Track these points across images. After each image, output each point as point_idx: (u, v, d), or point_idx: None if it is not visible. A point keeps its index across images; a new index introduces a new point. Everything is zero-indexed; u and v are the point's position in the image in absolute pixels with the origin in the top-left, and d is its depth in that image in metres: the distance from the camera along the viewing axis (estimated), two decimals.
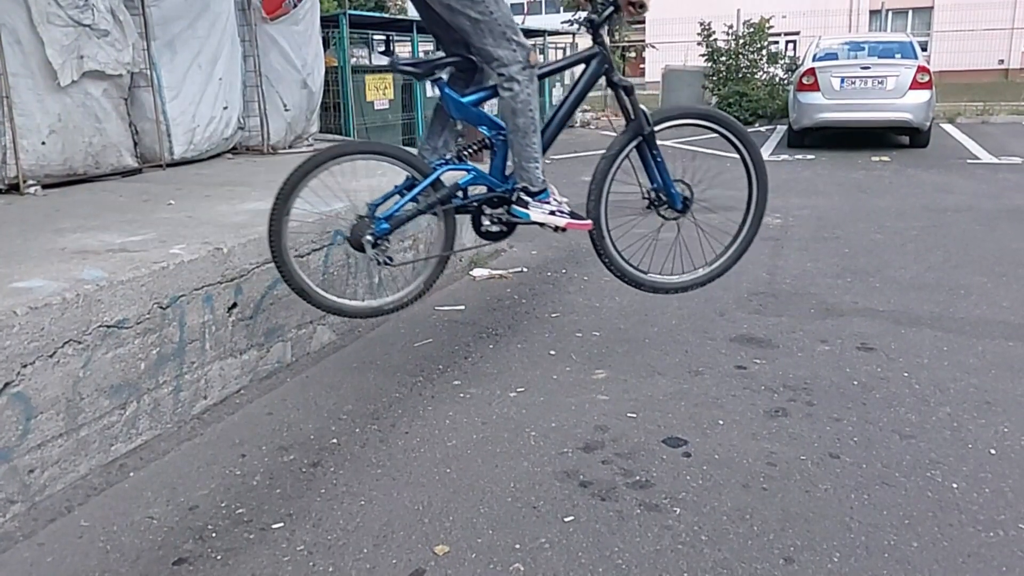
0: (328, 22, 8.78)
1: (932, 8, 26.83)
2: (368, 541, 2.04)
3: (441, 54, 2.99)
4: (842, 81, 9.89)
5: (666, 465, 2.38)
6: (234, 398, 2.93)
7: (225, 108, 5.50)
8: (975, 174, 7.97)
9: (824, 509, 2.13)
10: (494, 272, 4.50)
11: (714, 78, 14.80)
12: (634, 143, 3.04)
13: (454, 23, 2.78)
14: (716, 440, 2.53)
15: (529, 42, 2.93)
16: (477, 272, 4.48)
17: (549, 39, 14.99)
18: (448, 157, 2.99)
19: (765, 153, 2.96)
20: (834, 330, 3.50)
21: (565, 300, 4.03)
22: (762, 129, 13.01)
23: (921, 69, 9.75)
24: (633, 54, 25.84)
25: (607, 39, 3.01)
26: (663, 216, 3.14)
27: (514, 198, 2.94)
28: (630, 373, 3.06)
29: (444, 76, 2.85)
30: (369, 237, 2.82)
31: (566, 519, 2.11)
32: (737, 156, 3.17)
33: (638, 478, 2.31)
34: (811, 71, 10.09)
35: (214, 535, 2.08)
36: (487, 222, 3.04)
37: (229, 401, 2.90)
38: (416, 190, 2.88)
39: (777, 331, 3.50)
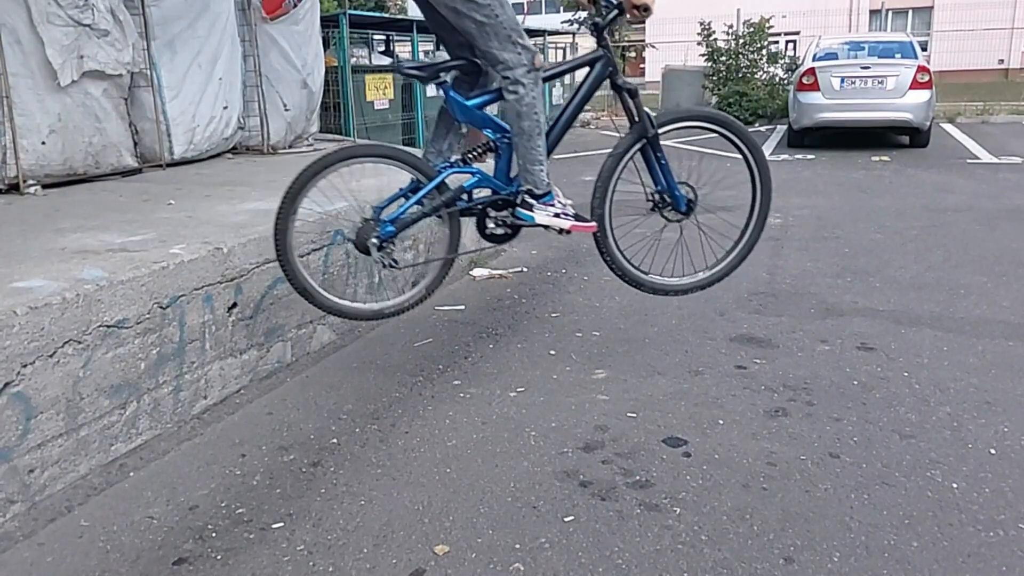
0: (328, 22, 8.77)
1: (932, 8, 26.84)
2: (368, 541, 2.04)
3: (442, 54, 2.99)
4: (842, 81, 9.89)
5: (666, 465, 2.38)
6: (234, 398, 2.93)
7: (225, 108, 5.50)
8: (975, 174, 7.97)
9: (824, 509, 2.13)
10: (494, 272, 4.50)
11: (714, 78, 14.80)
12: (638, 146, 3.05)
13: (459, 26, 2.78)
14: (716, 440, 2.53)
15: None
16: (477, 272, 4.48)
17: (549, 39, 14.99)
18: (453, 160, 3.01)
19: (765, 153, 2.96)
20: (834, 330, 3.50)
21: (565, 300, 4.03)
22: (762, 129, 13.01)
23: (921, 69, 9.75)
24: (633, 54, 25.82)
25: (611, 42, 3.02)
26: (667, 218, 3.15)
27: (519, 200, 2.95)
28: (630, 373, 3.06)
29: (449, 79, 2.86)
30: (375, 240, 2.84)
31: (566, 519, 2.11)
32: (741, 159, 3.17)
33: (638, 478, 2.31)
34: (811, 71, 10.09)
35: (214, 535, 2.08)
36: (492, 225, 3.05)
37: (229, 401, 2.90)
38: (421, 193, 2.89)
39: (777, 331, 3.50)
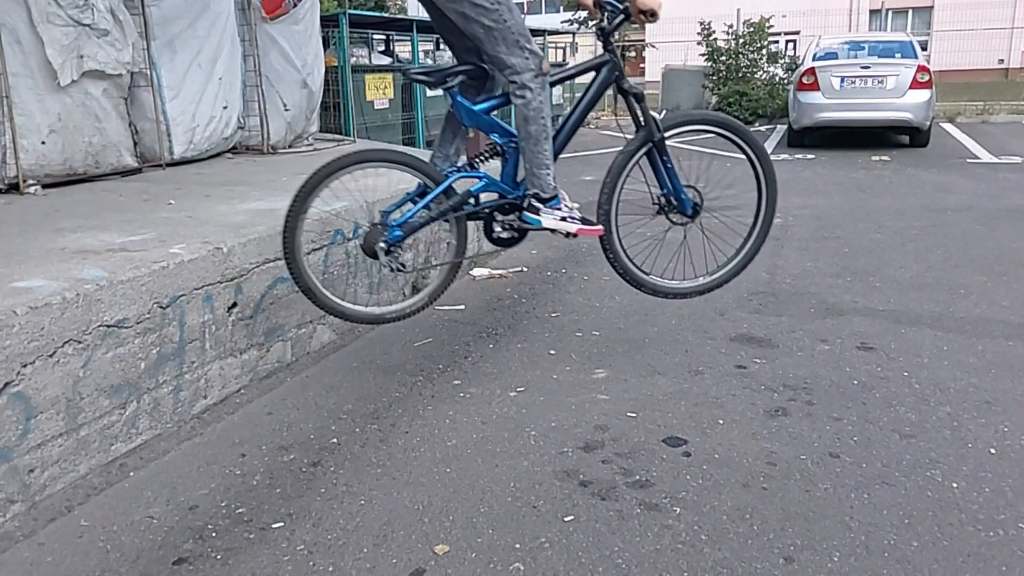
0: (328, 22, 8.77)
1: (932, 8, 26.83)
2: (368, 541, 2.04)
3: (442, 54, 3.00)
4: (842, 81, 9.89)
5: (666, 465, 2.38)
6: (234, 398, 2.93)
7: (225, 108, 5.50)
8: (975, 173, 7.97)
9: (824, 508, 2.14)
10: (494, 272, 4.51)
11: (714, 78, 14.80)
12: (644, 150, 3.06)
13: (468, 30, 2.79)
14: (716, 440, 2.53)
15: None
16: (477, 272, 4.49)
17: (549, 39, 14.99)
18: (460, 164, 3.02)
19: (772, 159, 2.98)
20: (834, 329, 3.50)
21: (565, 300, 4.03)
22: (762, 129, 13.01)
23: (921, 68, 9.75)
24: (633, 53, 25.83)
25: (616, 46, 3.03)
26: (672, 221, 3.16)
27: (525, 204, 2.96)
28: (630, 373, 3.06)
29: (456, 84, 2.87)
30: (383, 244, 2.86)
31: (566, 519, 2.11)
32: (747, 163, 3.18)
33: (638, 478, 2.31)
34: (811, 71, 10.09)
35: (214, 535, 2.08)
36: (499, 228, 3.06)
37: (229, 401, 2.90)
38: (429, 197, 2.90)
39: (777, 331, 3.50)
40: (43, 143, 4.23)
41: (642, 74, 28.13)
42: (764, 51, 14.62)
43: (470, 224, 3.10)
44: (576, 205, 3.01)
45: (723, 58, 14.65)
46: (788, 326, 3.55)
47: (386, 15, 16.29)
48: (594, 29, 3.05)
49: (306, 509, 2.19)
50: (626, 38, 19.60)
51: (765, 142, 11.04)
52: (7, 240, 3.05)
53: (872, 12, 25.32)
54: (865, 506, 2.14)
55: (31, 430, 2.20)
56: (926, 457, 2.39)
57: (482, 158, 3.03)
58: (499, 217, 3.05)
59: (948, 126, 12.48)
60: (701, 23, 14.67)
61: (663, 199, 3.14)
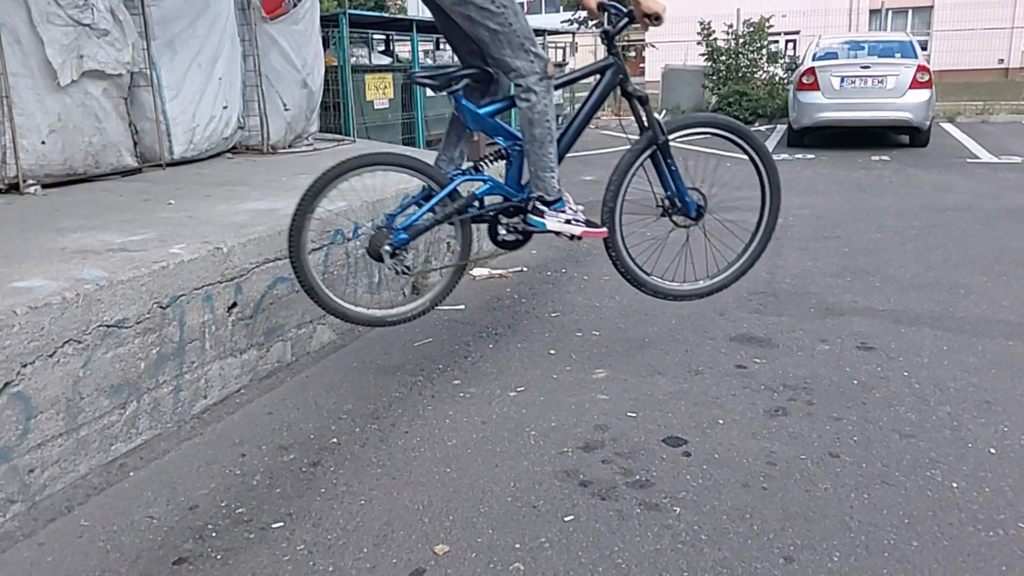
0: (328, 22, 8.76)
1: (932, 7, 26.83)
2: (368, 541, 2.04)
3: (443, 53, 3.01)
4: (842, 80, 9.89)
5: (666, 464, 2.38)
6: (234, 398, 2.93)
7: (225, 107, 5.50)
8: (975, 173, 7.97)
9: (824, 508, 2.14)
10: (494, 272, 4.51)
11: (714, 77, 14.80)
12: (648, 152, 3.07)
13: (473, 34, 2.79)
14: (716, 439, 2.53)
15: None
16: (477, 272, 4.48)
17: (549, 39, 14.99)
18: (464, 167, 3.03)
19: (776, 162, 2.98)
20: (834, 329, 3.50)
21: (565, 300, 4.03)
22: (762, 129, 13.00)
23: (921, 68, 9.75)
24: (633, 53, 25.83)
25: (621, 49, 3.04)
26: (676, 223, 3.17)
27: (530, 207, 2.97)
28: (630, 372, 3.06)
29: (461, 88, 2.87)
30: (388, 247, 2.87)
31: (566, 519, 2.11)
32: (751, 166, 3.18)
33: (638, 477, 2.31)
34: (811, 70, 10.09)
35: (214, 535, 2.08)
36: (503, 231, 3.07)
37: (229, 401, 2.90)
38: (434, 201, 2.91)
39: (777, 330, 3.50)
40: (43, 143, 4.23)
41: (642, 74, 28.11)
42: (764, 51, 14.62)
43: (474, 227, 3.10)
44: (580, 207, 3.02)
45: (723, 58, 14.65)
46: (788, 326, 3.56)
47: (386, 15, 16.30)
48: (596, 30, 3.06)
49: (306, 509, 2.19)
50: (626, 38, 19.59)
51: (765, 142, 11.03)
52: (7, 240, 3.05)
53: (872, 12, 25.32)
54: (865, 506, 2.14)
55: (31, 430, 2.20)
56: (926, 457, 2.39)
57: (487, 161, 3.03)
58: (503, 220, 3.06)
59: (948, 126, 12.48)
60: (701, 23, 14.66)
61: (667, 201, 3.15)
